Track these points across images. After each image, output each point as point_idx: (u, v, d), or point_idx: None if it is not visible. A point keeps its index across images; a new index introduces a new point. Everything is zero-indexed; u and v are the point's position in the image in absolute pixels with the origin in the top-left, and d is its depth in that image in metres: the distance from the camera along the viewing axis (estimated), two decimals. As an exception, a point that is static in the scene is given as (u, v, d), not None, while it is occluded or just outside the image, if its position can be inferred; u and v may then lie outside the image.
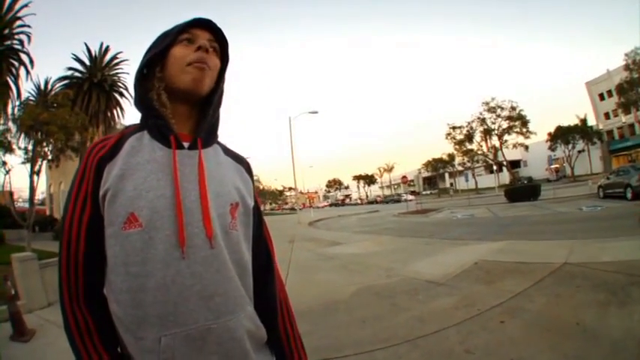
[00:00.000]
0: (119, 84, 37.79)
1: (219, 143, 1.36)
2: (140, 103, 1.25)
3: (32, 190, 19.30)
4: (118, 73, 38.02)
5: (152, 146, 1.18)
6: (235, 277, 1.19)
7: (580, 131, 61.34)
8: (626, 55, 43.83)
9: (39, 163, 19.59)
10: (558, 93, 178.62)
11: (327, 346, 4.35)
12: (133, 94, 1.29)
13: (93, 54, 36.74)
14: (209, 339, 1.10)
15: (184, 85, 1.19)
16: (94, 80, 35.02)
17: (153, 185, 1.12)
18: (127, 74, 38.57)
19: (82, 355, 1.11)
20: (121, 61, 38.42)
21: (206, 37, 1.24)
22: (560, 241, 9.61)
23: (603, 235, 9.75)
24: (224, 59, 1.33)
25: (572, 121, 65.17)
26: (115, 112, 36.99)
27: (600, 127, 65.81)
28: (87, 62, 36.29)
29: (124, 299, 1.08)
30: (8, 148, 19.28)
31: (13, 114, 23.86)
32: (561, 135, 61.89)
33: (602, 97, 67.53)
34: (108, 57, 37.81)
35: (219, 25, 1.27)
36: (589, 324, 4.28)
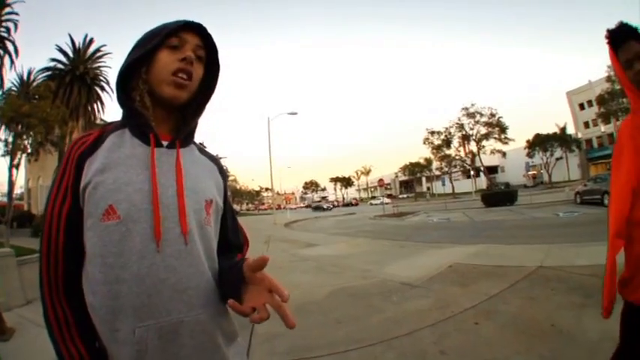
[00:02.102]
0: (101, 78, 37.15)
1: (194, 143, 1.41)
2: (123, 101, 1.26)
3: (11, 184, 19.05)
4: (100, 67, 37.36)
5: (132, 143, 1.21)
6: (208, 271, 1.23)
7: (559, 139, 62.93)
8: (609, 67, 44.79)
9: (18, 156, 19.34)
10: (539, 102, 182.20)
11: (301, 346, 4.32)
12: (115, 89, 1.29)
13: (77, 46, 36.08)
14: (181, 331, 1.13)
15: (165, 95, 1.22)
16: (76, 73, 34.42)
17: (132, 179, 1.14)
18: (109, 68, 38.00)
19: (60, 348, 1.13)
20: (104, 55, 37.80)
21: (195, 43, 1.26)
22: (536, 245, 9.75)
23: (579, 239, 9.89)
24: (213, 65, 1.36)
25: (552, 129, 67.13)
26: (95, 106, 36.44)
27: (579, 135, 67.95)
28: (70, 54, 35.61)
29: (100, 290, 1.09)
30: None
31: None
32: (540, 142, 63.52)
33: (582, 106, 69.71)
34: (91, 49, 37.17)
35: (209, 29, 1.29)
36: (565, 326, 4.32)
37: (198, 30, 1.27)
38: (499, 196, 33.74)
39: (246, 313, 1.10)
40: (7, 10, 27.98)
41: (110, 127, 1.27)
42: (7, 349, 5.11)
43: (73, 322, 1.15)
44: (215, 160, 1.48)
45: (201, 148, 1.44)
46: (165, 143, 1.25)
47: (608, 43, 1.86)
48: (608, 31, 1.85)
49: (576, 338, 4.01)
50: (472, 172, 71.33)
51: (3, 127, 19.70)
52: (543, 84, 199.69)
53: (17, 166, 19.56)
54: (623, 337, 2.02)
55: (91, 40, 37.14)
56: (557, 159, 65.75)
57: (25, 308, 6.96)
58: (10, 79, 38.37)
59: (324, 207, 78.75)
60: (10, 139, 19.15)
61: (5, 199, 21.65)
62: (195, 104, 1.34)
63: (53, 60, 34.90)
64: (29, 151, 20.31)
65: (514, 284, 6.16)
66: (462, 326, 4.65)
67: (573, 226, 13.85)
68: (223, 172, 1.48)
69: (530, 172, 74.71)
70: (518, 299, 5.45)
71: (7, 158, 19.16)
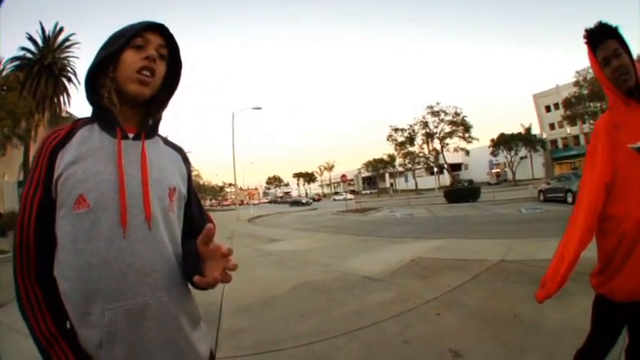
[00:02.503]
0: (68, 68, 36.05)
1: (159, 135, 1.48)
2: (92, 98, 1.33)
3: None
4: (68, 57, 36.19)
5: (101, 136, 1.29)
6: (172, 255, 1.31)
7: (523, 139, 64.97)
8: (577, 72, 47.15)
9: None
10: (506, 103, 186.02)
11: (267, 340, 4.33)
12: (84, 87, 1.35)
13: (47, 34, 35.04)
14: (147, 314, 1.21)
15: (130, 91, 1.31)
16: (44, 63, 33.44)
17: (100, 170, 1.21)
18: (77, 58, 37.05)
19: (32, 326, 1.19)
20: (73, 44, 36.65)
21: (157, 43, 1.37)
22: (498, 240, 9.98)
23: (542, 235, 10.18)
24: (176, 63, 1.47)
25: (517, 129, 69.54)
26: (61, 98, 35.52)
27: (544, 136, 70.82)
28: (40, 43, 34.57)
29: (72, 275, 1.16)
30: None
31: None
32: (504, 142, 65.54)
33: (548, 109, 72.93)
34: (60, 38, 35.96)
35: (170, 28, 1.40)
36: (527, 316, 4.43)
37: (160, 30, 1.38)
38: (462, 192, 34.31)
39: (211, 283, 1.20)
40: None
41: (80, 123, 1.34)
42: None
43: (44, 301, 1.21)
44: (179, 149, 1.55)
45: (165, 140, 1.51)
46: (131, 136, 1.33)
47: (587, 42, 1.93)
48: (587, 30, 1.92)
49: (539, 327, 4.12)
50: (435, 169, 72.30)
51: None
52: (510, 86, 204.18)
53: None
54: (594, 326, 2.11)
55: (61, 29, 36.04)
56: (522, 158, 68.08)
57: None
58: None
59: (304, 202, 71.32)
60: None
61: None
62: (159, 100, 1.44)
63: (23, 49, 33.86)
64: None
65: (476, 277, 6.29)
66: (424, 317, 4.73)
67: (536, 222, 14.26)
68: (187, 161, 1.55)
69: (493, 170, 76.31)
70: (480, 291, 5.57)
71: None
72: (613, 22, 1.88)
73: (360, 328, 4.50)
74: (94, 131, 1.30)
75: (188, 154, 1.58)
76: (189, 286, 1.38)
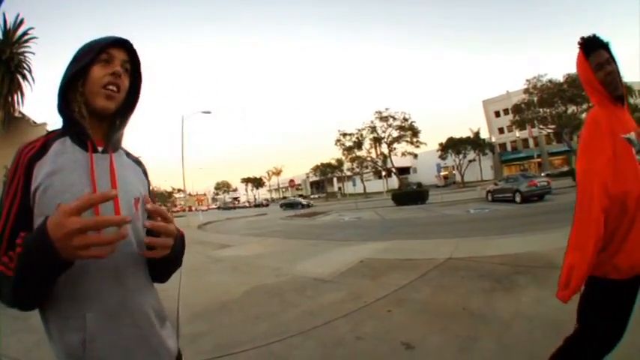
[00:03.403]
0: (24, 65, 33.44)
1: (122, 148, 1.57)
2: (63, 111, 1.40)
3: None
4: (25, 52, 33.69)
5: (73, 149, 1.36)
6: (139, 257, 1.38)
7: (472, 142, 67.00)
8: (528, 80, 49.87)
9: None
10: (454, 108, 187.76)
11: (225, 343, 4.40)
12: (57, 100, 1.41)
13: (7, 26, 32.73)
14: (123, 313, 1.31)
15: (97, 106, 1.38)
16: (2, 57, 31.40)
17: (76, 181, 1.29)
18: (33, 54, 34.72)
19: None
20: (31, 39, 33.95)
21: (122, 58, 1.44)
22: (446, 239, 10.30)
23: (490, 233, 10.60)
24: (137, 76, 1.54)
25: (466, 133, 71.45)
26: (16, 97, 33.43)
27: (493, 139, 73.86)
28: (0, 35, 32.55)
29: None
30: None
31: None
32: (452, 145, 67.57)
33: (497, 114, 76.94)
34: (20, 31, 33.02)
35: (134, 45, 1.49)
36: (476, 308, 4.72)
37: (124, 45, 1.45)
38: (410, 195, 34.75)
39: (158, 228, 1.29)
40: None
41: (52, 135, 1.40)
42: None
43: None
44: (139, 163, 1.66)
45: (127, 153, 1.60)
46: (100, 149, 1.41)
47: (581, 47, 2.20)
48: (583, 38, 2.20)
49: (488, 318, 4.40)
50: (383, 173, 72.90)
51: None
52: (459, 93, 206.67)
53: None
54: (584, 317, 2.16)
55: (22, 21, 32.63)
56: (470, 161, 70.27)
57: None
58: None
59: (304, 203, 57.67)
60: None
61: None
62: (122, 114, 1.50)
63: None
64: None
65: (424, 275, 6.55)
66: (375, 314, 4.94)
67: (484, 222, 14.73)
68: (146, 174, 1.67)
69: (441, 173, 77.82)
70: (428, 288, 5.83)
71: None
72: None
73: (314, 327, 4.67)
74: (67, 144, 1.36)
75: (140, 159, 1.71)
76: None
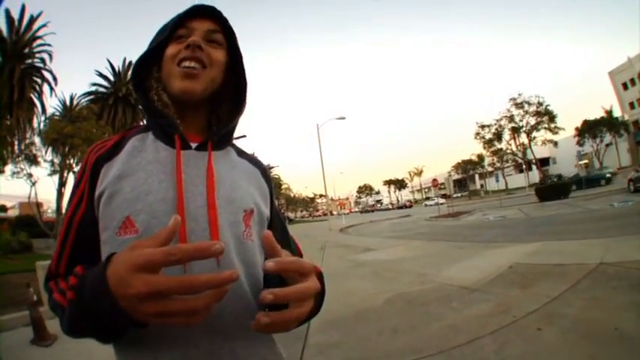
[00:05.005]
0: None
1: (233, 145, 1.27)
2: (142, 104, 1.16)
3: (60, 200, 20.04)
4: None
5: (156, 146, 1.09)
6: (249, 294, 1.02)
7: (607, 123, 59.73)
8: None
9: (65, 174, 20.42)
10: (582, 85, 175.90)
11: (357, 357, 4.29)
12: (134, 92, 1.19)
13: (116, 69, 37.95)
14: None
15: (175, 89, 1.09)
16: (119, 95, 36.19)
17: (153, 187, 1.00)
18: None
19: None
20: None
21: (205, 29, 1.12)
22: (595, 239, 9.41)
23: (636, 231, 9.52)
24: (234, 51, 1.20)
25: (598, 113, 63.73)
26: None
27: (626, 117, 63.35)
28: (111, 77, 37.62)
29: None
30: (33, 161, 20.30)
31: (38, 128, 24.96)
32: (588, 129, 60.51)
33: (625, 86, 64.66)
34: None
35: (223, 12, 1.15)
36: (627, 329, 4.15)
37: (208, 14, 1.14)
38: (554, 188, 32.83)
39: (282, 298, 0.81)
40: (39, 42, 29.81)
41: (132, 131, 1.16)
42: (48, 355, 5.54)
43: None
44: (257, 162, 1.31)
45: (240, 150, 1.29)
46: (194, 145, 1.11)
47: None
48: None
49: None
50: (524, 166, 69.48)
51: (50, 149, 21.04)
52: (584, 68, 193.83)
53: (65, 184, 21.04)
54: None
55: (130, 63, 38.89)
56: (607, 145, 62.71)
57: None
58: (53, 105, 40.11)
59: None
60: (57, 160, 20.47)
61: (54, 215, 22.79)
62: (229, 99, 1.23)
63: (94, 84, 37.28)
64: (75, 169, 21.42)
65: (576, 284, 5.95)
66: (524, 332, 4.50)
67: (629, 217, 13.30)
68: (268, 176, 1.31)
69: (582, 162, 72.11)
70: (580, 301, 5.26)
71: (55, 177, 20.54)
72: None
73: (457, 345, 4.35)
74: (147, 141, 1.11)
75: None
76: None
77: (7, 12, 28.43)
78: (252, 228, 1.10)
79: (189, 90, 1.07)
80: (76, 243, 1.03)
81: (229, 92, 1.22)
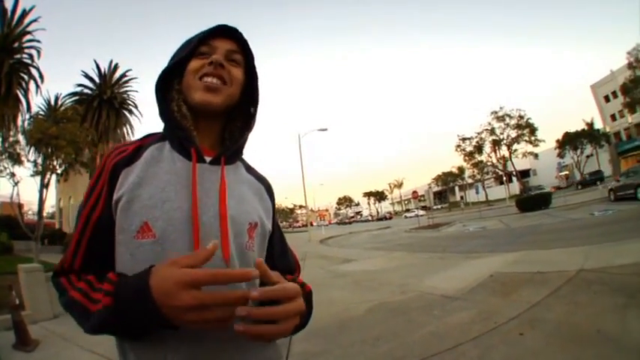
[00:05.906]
0: (129, 102, 38.97)
1: (242, 160, 1.34)
2: (162, 113, 1.21)
3: (41, 202, 19.90)
4: (127, 91, 39.23)
5: (172, 157, 1.15)
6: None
7: (588, 135, 61.15)
8: (629, 53, 43.61)
9: (48, 176, 20.24)
10: (563, 98, 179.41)
11: (341, 366, 4.26)
12: (156, 101, 1.22)
13: (102, 71, 37.69)
14: None
15: (196, 100, 1.16)
16: (103, 97, 35.97)
17: (170, 197, 1.06)
18: (137, 92, 39.34)
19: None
20: (131, 79, 39.56)
21: (226, 48, 1.21)
22: (575, 247, 9.52)
23: (617, 238, 9.67)
24: (252, 72, 1.29)
25: (579, 125, 65.18)
26: (124, 129, 37.69)
27: (607, 129, 65.09)
28: (96, 79, 37.25)
29: None
30: (17, 160, 20.20)
31: (22, 127, 24.66)
32: (569, 141, 61.90)
33: (607, 98, 66.78)
34: (117, 74, 38.75)
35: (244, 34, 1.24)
36: (610, 330, 4.20)
37: (230, 35, 1.22)
38: (533, 200, 33.21)
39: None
40: (29, 37, 29.45)
41: (150, 139, 1.21)
42: (30, 360, 5.35)
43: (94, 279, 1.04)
44: (263, 179, 1.39)
45: (249, 166, 1.37)
46: (208, 159, 1.17)
47: None
48: None
49: (623, 343, 3.90)
50: (505, 178, 70.40)
51: (32, 149, 20.79)
52: (566, 81, 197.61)
53: (47, 186, 20.78)
54: None
55: (116, 66, 38.96)
56: (588, 156, 63.97)
57: (52, 322, 7.33)
58: (38, 103, 39.58)
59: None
60: (40, 161, 20.30)
61: (36, 218, 22.54)
62: (242, 116, 1.30)
63: (80, 85, 36.84)
64: (59, 171, 21.29)
65: (556, 290, 6.02)
66: (506, 338, 4.52)
67: (609, 225, 13.52)
68: (271, 193, 1.39)
69: (562, 173, 73.08)
70: (561, 306, 5.32)
71: (38, 178, 20.39)
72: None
73: (439, 352, 4.35)
74: (165, 151, 1.16)
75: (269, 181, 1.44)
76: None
77: (1, 2, 28.17)
78: (254, 239, 1.19)
79: (210, 102, 1.15)
80: (92, 241, 1.09)
81: (242, 109, 1.30)
